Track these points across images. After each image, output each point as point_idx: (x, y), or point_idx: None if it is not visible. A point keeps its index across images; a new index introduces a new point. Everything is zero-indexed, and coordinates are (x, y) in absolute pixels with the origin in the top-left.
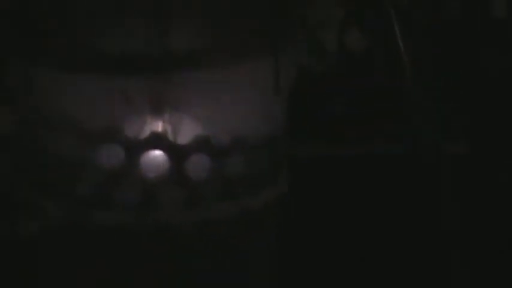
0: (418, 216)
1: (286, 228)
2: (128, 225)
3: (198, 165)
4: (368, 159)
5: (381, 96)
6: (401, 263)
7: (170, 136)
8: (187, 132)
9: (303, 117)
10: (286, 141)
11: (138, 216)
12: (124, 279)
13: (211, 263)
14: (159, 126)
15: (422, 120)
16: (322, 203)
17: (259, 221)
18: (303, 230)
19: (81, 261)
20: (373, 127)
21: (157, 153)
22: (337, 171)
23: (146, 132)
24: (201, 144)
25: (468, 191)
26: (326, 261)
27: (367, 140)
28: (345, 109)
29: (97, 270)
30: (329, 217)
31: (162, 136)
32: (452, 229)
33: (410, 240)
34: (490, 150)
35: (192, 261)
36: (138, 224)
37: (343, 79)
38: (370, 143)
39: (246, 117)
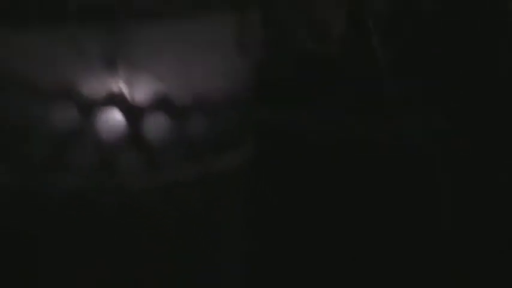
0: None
1: (253, 191)
2: (83, 189)
3: (157, 125)
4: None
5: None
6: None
7: (126, 94)
8: (145, 90)
9: (271, 80)
10: (253, 102)
11: (94, 179)
12: (80, 246)
13: (175, 229)
14: (114, 83)
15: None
16: (290, 167)
17: (224, 184)
18: (271, 194)
19: (35, 228)
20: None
21: (113, 112)
22: (305, 138)
23: (101, 90)
24: (160, 104)
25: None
26: (295, 224)
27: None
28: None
29: (52, 238)
30: (297, 182)
31: (118, 94)
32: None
33: (368, 204)
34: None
35: (154, 227)
36: (94, 188)
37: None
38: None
39: (209, 75)
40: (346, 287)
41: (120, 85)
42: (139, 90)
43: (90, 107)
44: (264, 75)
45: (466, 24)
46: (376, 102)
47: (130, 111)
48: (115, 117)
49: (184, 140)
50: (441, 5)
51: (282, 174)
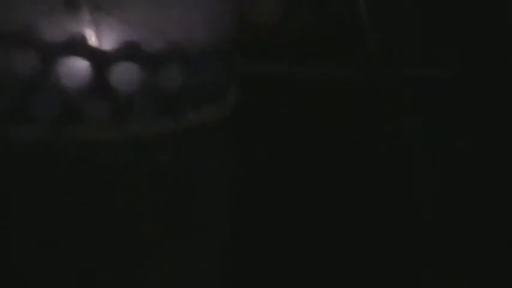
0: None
1: (235, 146)
2: (45, 141)
3: (125, 75)
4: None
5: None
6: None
7: (92, 40)
8: (112, 36)
9: (254, 30)
10: (233, 52)
11: (57, 131)
12: (43, 200)
13: (144, 185)
14: (79, 27)
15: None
16: (273, 121)
17: (202, 139)
18: (254, 149)
19: None
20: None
21: (78, 59)
22: (289, 90)
23: (64, 34)
24: (130, 51)
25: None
26: (280, 179)
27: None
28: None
29: (13, 190)
30: (279, 136)
31: (83, 40)
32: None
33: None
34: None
35: (121, 182)
36: (57, 140)
37: None
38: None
39: (184, 21)
40: (333, 246)
41: (84, 29)
42: (106, 35)
43: (51, 54)
44: (248, 23)
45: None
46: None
47: (96, 58)
48: (79, 64)
49: (157, 92)
50: None
51: (266, 127)
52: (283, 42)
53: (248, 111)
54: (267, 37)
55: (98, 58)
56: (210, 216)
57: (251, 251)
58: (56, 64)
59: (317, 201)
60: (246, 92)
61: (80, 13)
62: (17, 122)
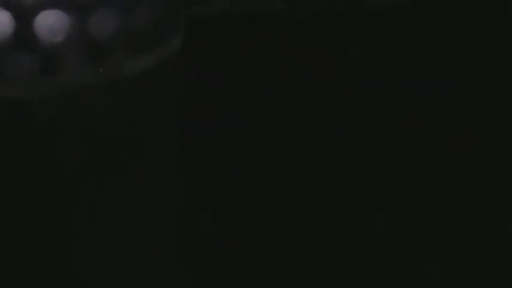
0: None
1: (179, 92)
2: None
3: (51, 23)
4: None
5: None
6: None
7: None
8: None
9: None
10: None
11: None
12: None
13: (78, 144)
14: None
15: None
16: (219, 65)
17: (141, 88)
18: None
19: None
20: None
21: None
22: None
23: None
24: None
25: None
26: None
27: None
28: None
29: None
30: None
31: None
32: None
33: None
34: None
35: (52, 142)
36: None
37: None
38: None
39: None
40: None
41: None
42: None
43: None
44: None
45: None
46: None
47: (18, 7)
48: (0, 14)
49: (88, 40)
50: None
51: (214, 70)
52: None
53: (192, 55)
54: None
55: (19, 6)
56: (157, 170)
57: (202, 207)
58: None
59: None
60: (189, 35)
61: None
62: None
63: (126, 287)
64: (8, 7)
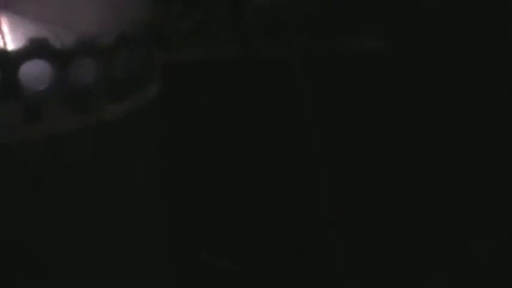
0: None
1: (159, 137)
2: None
3: (34, 73)
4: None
5: None
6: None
7: None
8: (18, 33)
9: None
10: (151, 41)
11: None
12: None
13: (63, 186)
14: None
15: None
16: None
17: (122, 133)
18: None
19: None
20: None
21: None
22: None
23: None
24: (37, 48)
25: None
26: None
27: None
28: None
29: None
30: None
31: None
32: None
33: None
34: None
35: (37, 185)
36: None
37: None
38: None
39: (93, 13)
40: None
41: None
42: (11, 33)
43: None
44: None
45: None
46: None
47: (3, 57)
48: None
49: (69, 88)
50: None
51: (191, 114)
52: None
53: (172, 99)
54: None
55: (4, 57)
56: (140, 211)
57: (187, 246)
58: None
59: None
60: (168, 80)
61: None
62: None
63: None
64: None
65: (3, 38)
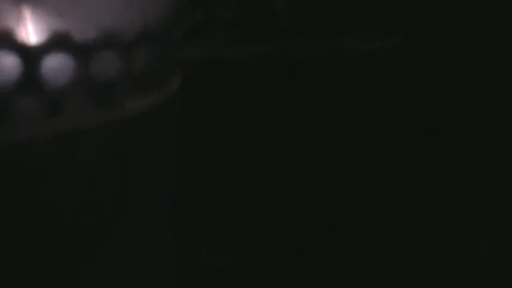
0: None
1: (179, 136)
2: None
3: (56, 66)
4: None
5: None
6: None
7: (20, 33)
8: (41, 27)
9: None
10: (171, 37)
11: None
12: None
13: (81, 185)
14: (4, 20)
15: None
16: (220, 106)
17: (141, 128)
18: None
19: None
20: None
21: (5, 53)
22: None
23: None
24: (60, 42)
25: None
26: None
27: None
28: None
29: None
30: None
31: (9, 34)
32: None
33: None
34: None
35: (57, 179)
36: None
37: None
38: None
39: (115, 7)
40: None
41: (9, 23)
42: (34, 27)
43: None
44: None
45: None
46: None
47: (25, 51)
48: (7, 59)
49: (91, 82)
50: None
51: (209, 111)
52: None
53: (190, 96)
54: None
55: (27, 51)
56: (153, 206)
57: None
58: None
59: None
60: (188, 77)
61: (2, 7)
62: None
63: None
64: (15, 51)
65: (26, 31)
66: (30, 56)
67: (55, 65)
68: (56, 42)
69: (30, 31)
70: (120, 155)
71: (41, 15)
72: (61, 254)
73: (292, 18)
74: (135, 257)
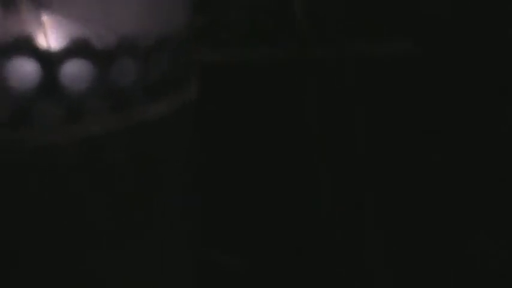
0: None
1: (195, 142)
2: None
3: (76, 72)
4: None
5: None
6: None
7: (39, 38)
8: (61, 33)
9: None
10: (189, 42)
11: (8, 135)
12: None
13: (99, 191)
14: (22, 27)
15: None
16: (235, 111)
17: (160, 134)
18: (216, 140)
19: None
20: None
21: (25, 60)
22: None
23: (7, 36)
24: (79, 48)
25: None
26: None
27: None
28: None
29: None
30: (244, 126)
31: (28, 40)
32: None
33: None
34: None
35: (77, 184)
36: (8, 145)
37: None
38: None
39: (134, 13)
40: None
41: (28, 29)
42: (53, 33)
43: None
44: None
45: None
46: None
47: (44, 57)
48: (27, 65)
49: (110, 88)
50: None
51: (228, 118)
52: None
53: (209, 102)
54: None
55: (46, 57)
56: (173, 211)
57: (217, 246)
58: (2, 67)
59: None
60: (206, 82)
61: (22, 12)
62: None
63: None
64: (35, 58)
65: (45, 37)
66: (49, 61)
67: (74, 70)
68: (75, 48)
69: (50, 37)
70: (138, 159)
71: (61, 21)
72: (80, 255)
73: (309, 22)
74: (153, 257)
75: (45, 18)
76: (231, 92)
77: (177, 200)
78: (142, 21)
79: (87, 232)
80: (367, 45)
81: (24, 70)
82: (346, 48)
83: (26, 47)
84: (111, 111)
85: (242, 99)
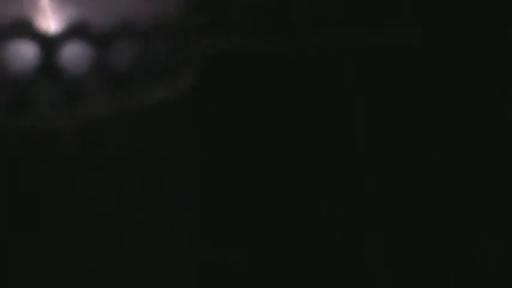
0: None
1: (193, 125)
2: None
3: (74, 54)
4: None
5: None
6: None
7: (38, 21)
8: (60, 16)
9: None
10: (187, 29)
11: (7, 118)
12: None
13: (99, 172)
14: (23, 8)
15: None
16: (234, 97)
17: (159, 118)
18: (214, 129)
19: None
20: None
21: (24, 42)
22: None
23: (6, 18)
24: (78, 30)
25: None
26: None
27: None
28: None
29: None
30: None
31: (27, 22)
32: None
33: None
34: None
35: (75, 168)
36: (8, 127)
37: None
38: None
39: None
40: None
41: (27, 11)
42: (52, 15)
43: None
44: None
45: None
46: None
47: (43, 39)
48: (26, 48)
49: (108, 71)
50: None
51: (226, 105)
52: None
53: (206, 89)
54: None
55: (46, 40)
56: (171, 199)
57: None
58: (2, 50)
59: (276, 178)
60: (203, 68)
61: None
62: None
63: None
64: (34, 40)
65: (45, 20)
66: (49, 44)
67: (73, 53)
68: (75, 31)
69: (49, 19)
70: (138, 142)
71: (60, 3)
72: (81, 244)
73: (309, 12)
74: (154, 248)
75: (45, 1)
76: (230, 87)
77: (177, 198)
78: (142, 3)
79: (87, 216)
80: (366, 35)
81: (24, 53)
82: (345, 39)
83: (26, 29)
84: (110, 93)
85: (241, 97)
